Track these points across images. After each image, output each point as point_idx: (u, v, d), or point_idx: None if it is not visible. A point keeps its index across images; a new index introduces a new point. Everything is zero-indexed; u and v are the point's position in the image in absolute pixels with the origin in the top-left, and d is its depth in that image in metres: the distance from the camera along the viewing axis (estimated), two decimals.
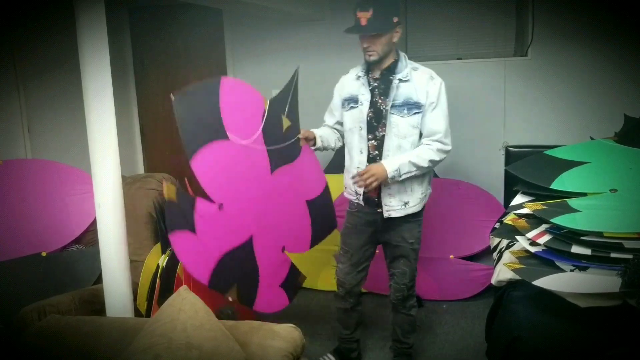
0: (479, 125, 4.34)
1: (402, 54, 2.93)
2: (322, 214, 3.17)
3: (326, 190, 3.19)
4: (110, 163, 2.57)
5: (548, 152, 3.24)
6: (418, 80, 2.87)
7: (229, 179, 2.70)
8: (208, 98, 2.62)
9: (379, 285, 3.87)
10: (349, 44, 4.45)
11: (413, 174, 2.84)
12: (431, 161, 2.84)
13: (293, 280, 3.16)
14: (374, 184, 2.80)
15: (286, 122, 2.91)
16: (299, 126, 3.04)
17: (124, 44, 5.32)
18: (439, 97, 2.86)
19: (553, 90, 4.27)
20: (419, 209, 2.99)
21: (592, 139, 3.47)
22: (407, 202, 2.92)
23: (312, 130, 3.07)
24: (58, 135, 4.45)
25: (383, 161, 2.84)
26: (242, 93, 2.80)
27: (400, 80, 2.85)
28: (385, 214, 2.93)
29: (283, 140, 2.90)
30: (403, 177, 2.82)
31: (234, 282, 2.77)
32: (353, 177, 2.88)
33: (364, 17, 2.73)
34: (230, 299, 2.74)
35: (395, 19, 2.80)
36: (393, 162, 2.82)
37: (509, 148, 4.34)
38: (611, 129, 3.54)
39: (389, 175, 2.79)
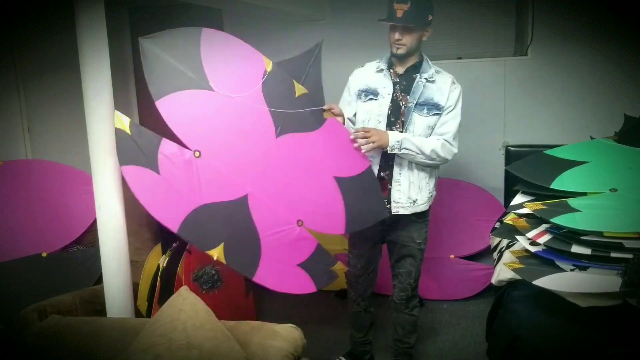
0: (479, 124, 4.34)
1: (425, 56, 2.93)
2: (364, 197, 2.85)
3: (368, 173, 2.84)
4: (110, 163, 2.57)
5: (548, 151, 3.24)
6: (442, 83, 2.88)
7: (213, 130, 2.55)
8: (185, 46, 2.50)
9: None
10: (349, 44, 4.48)
11: (413, 155, 2.79)
12: (434, 152, 2.81)
13: (320, 265, 2.83)
14: (372, 145, 2.73)
15: (300, 89, 2.71)
16: (323, 98, 2.86)
17: (124, 44, 5.31)
18: (457, 102, 2.88)
19: (553, 90, 4.28)
20: (426, 207, 2.99)
21: (592, 138, 3.47)
22: (415, 200, 2.91)
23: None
24: (58, 135, 4.45)
25: (388, 131, 2.82)
26: (233, 48, 2.64)
27: (426, 80, 2.86)
28: (394, 210, 2.90)
29: (294, 106, 2.69)
30: (402, 151, 2.77)
31: (220, 240, 2.53)
32: (356, 131, 2.77)
33: (401, 8, 2.72)
34: (215, 257, 2.51)
35: (430, 17, 2.82)
36: (398, 134, 2.80)
37: (509, 148, 4.34)
38: (611, 129, 3.54)
39: (390, 144, 2.75)
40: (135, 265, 3.03)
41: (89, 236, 3.57)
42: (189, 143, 2.50)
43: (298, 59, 2.82)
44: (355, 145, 2.76)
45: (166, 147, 2.45)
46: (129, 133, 2.39)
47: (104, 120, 2.54)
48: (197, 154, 2.50)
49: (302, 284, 2.76)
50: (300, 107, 2.69)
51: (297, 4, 4.12)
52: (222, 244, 2.54)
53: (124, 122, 2.40)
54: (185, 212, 2.47)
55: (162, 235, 3.37)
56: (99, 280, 3.19)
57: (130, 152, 2.39)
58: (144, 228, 3.58)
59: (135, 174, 2.39)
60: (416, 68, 2.89)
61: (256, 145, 2.64)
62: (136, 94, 5.45)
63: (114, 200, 2.62)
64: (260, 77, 2.63)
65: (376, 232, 3.03)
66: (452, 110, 2.87)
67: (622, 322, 2.48)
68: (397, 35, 2.79)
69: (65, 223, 3.56)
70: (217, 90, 2.53)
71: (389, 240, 3.08)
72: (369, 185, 2.84)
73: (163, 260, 3.13)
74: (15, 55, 4.14)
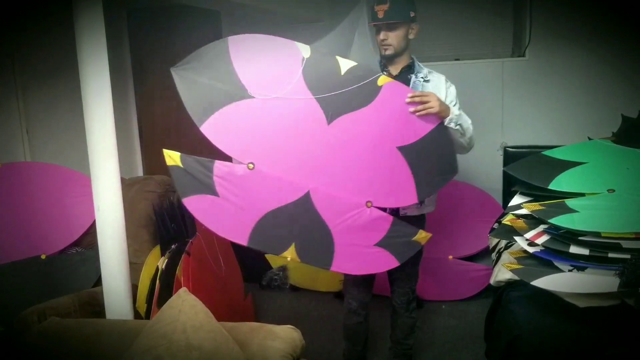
0: (477, 125, 4.30)
1: (415, 58, 2.94)
2: (432, 158, 2.65)
3: (436, 131, 2.60)
4: (109, 165, 2.57)
5: (546, 152, 3.25)
6: (437, 82, 2.89)
7: (261, 137, 2.51)
8: (215, 61, 2.50)
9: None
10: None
11: (459, 135, 2.71)
12: (471, 138, 2.77)
13: (400, 240, 2.71)
14: (431, 111, 2.55)
15: (346, 64, 2.50)
16: (377, 67, 2.69)
17: (122, 46, 5.32)
18: (456, 98, 2.88)
19: (551, 91, 4.29)
20: (432, 209, 2.97)
21: (589, 139, 3.48)
22: (423, 201, 2.88)
23: None
24: (57, 138, 4.44)
25: None
26: (263, 47, 2.51)
27: (422, 79, 2.86)
28: (402, 212, 2.85)
29: (341, 85, 2.51)
30: (456, 127, 2.65)
31: (290, 241, 2.57)
32: (411, 97, 2.55)
33: (382, 9, 2.73)
34: (288, 258, 2.58)
35: (412, 14, 2.81)
36: (455, 109, 2.72)
37: (507, 148, 4.35)
38: (608, 129, 3.55)
39: (450, 115, 2.62)
40: (134, 267, 3.03)
41: (88, 238, 3.57)
42: (240, 158, 2.51)
43: (340, 30, 2.69)
44: (411, 109, 2.56)
45: (219, 169, 2.48)
46: (182, 166, 2.44)
47: (103, 122, 2.54)
48: (250, 166, 2.50)
49: (382, 262, 2.70)
50: (348, 83, 2.51)
51: (295, 6, 4.13)
52: (293, 245, 2.57)
53: (174, 157, 2.45)
54: (250, 225, 2.52)
55: (160, 237, 3.37)
56: (98, 282, 3.18)
57: (188, 183, 2.45)
58: (143, 230, 3.59)
59: (197, 203, 2.46)
60: (410, 69, 2.89)
61: (309, 139, 2.54)
62: (135, 95, 5.47)
63: (113, 202, 2.62)
64: (299, 67, 2.50)
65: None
66: (455, 105, 2.85)
67: (620, 322, 2.48)
68: (382, 36, 2.79)
69: (64, 225, 3.56)
70: (257, 96, 2.47)
71: None
72: (437, 144, 2.63)
73: (162, 262, 3.13)
74: (14, 57, 4.13)
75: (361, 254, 2.66)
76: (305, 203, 2.56)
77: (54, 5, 4.18)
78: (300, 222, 2.58)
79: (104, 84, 2.53)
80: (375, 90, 2.52)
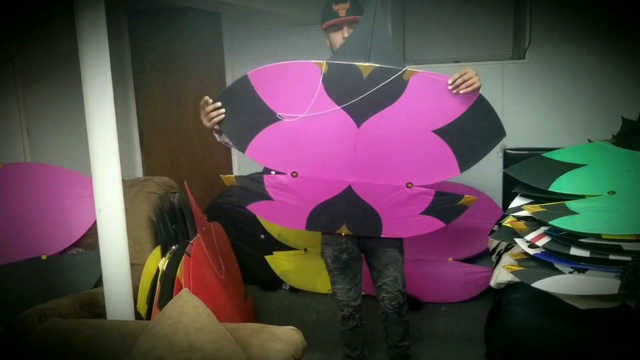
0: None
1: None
2: (473, 130, 2.59)
3: (474, 107, 2.53)
4: (111, 167, 2.57)
5: (546, 154, 3.25)
6: None
7: (298, 151, 2.68)
8: (243, 95, 2.59)
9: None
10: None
11: None
12: None
13: (444, 207, 2.79)
14: (475, 86, 2.46)
15: (367, 68, 2.48)
16: (398, 59, 2.56)
17: (122, 47, 5.33)
18: None
19: (551, 93, 4.29)
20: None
21: (590, 141, 3.49)
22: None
23: None
24: (57, 138, 4.45)
25: None
26: (281, 73, 2.56)
27: None
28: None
29: (365, 89, 2.51)
30: None
31: (341, 222, 2.89)
32: (452, 83, 2.46)
33: (343, 8, 2.74)
34: (343, 234, 2.91)
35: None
36: None
37: (507, 150, 4.35)
38: (609, 132, 3.55)
39: None
40: (135, 268, 3.02)
41: (88, 239, 3.56)
42: (284, 170, 2.76)
43: (355, 36, 2.60)
44: (454, 90, 2.49)
45: (269, 181, 2.80)
46: (238, 185, 2.84)
47: (104, 123, 2.54)
48: (294, 174, 2.76)
49: (429, 225, 2.87)
50: (372, 85, 2.51)
51: (295, 8, 4.13)
52: (344, 225, 2.89)
53: (230, 179, 2.82)
54: (305, 216, 2.88)
55: (161, 238, 3.37)
56: (99, 283, 3.19)
57: (247, 195, 2.85)
58: (144, 231, 3.58)
59: (258, 207, 2.89)
60: None
61: (342, 144, 2.65)
62: (135, 97, 5.47)
63: (114, 203, 2.62)
64: (318, 83, 2.54)
65: (355, 242, 2.96)
66: None
67: (620, 324, 2.48)
68: (345, 33, 2.76)
69: (64, 226, 3.56)
70: (285, 118, 2.59)
71: (368, 249, 3.00)
72: (478, 116, 2.56)
73: (162, 263, 3.13)
74: (14, 57, 4.14)
75: (407, 222, 2.86)
76: (348, 194, 2.77)
77: (54, 6, 4.18)
78: (347, 208, 2.83)
79: (105, 85, 2.53)
80: (402, 84, 2.51)
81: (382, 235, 2.89)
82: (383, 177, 2.73)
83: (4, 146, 4.07)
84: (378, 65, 2.48)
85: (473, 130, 2.59)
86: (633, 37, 4.02)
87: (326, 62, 2.50)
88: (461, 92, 2.45)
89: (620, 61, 4.08)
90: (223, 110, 2.59)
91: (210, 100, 2.60)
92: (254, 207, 2.89)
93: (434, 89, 2.53)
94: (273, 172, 2.84)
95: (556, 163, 3.14)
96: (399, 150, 2.66)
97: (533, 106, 4.33)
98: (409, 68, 2.48)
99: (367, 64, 2.48)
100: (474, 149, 2.66)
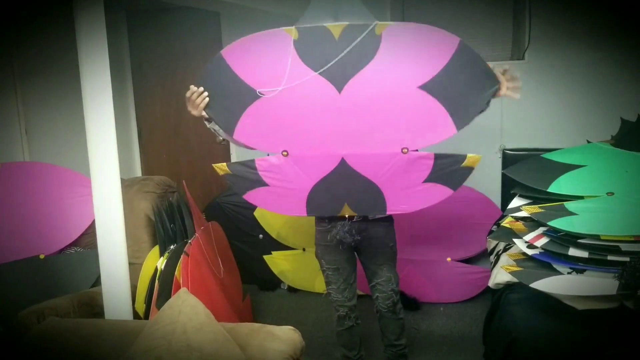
0: (476, 128, 4.33)
1: None
2: (461, 84, 2.48)
3: (456, 57, 2.44)
4: (109, 166, 2.57)
5: (545, 155, 3.26)
6: None
7: (283, 128, 2.62)
8: (221, 78, 2.57)
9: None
10: None
11: None
12: None
13: (448, 170, 2.63)
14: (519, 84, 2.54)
15: (338, 28, 2.41)
16: (369, 15, 2.48)
17: (121, 47, 5.32)
18: None
19: (550, 94, 4.29)
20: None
21: (588, 142, 3.49)
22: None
23: None
24: (56, 138, 4.44)
25: None
26: (254, 45, 2.52)
27: None
28: (370, 217, 2.86)
29: (339, 50, 2.43)
30: None
31: (342, 201, 2.73)
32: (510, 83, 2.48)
33: None
34: (347, 215, 2.78)
35: None
36: None
37: (506, 151, 4.36)
38: (608, 133, 3.56)
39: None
40: (133, 267, 3.02)
41: (87, 238, 3.56)
42: (274, 149, 2.67)
43: (317, 1, 2.55)
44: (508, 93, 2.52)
45: (260, 164, 2.69)
46: (232, 172, 2.72)
47: (103, 123, 2.55)
48: (284, 153, 2.65)
49: (436, 194, 2.68)
50: (345, 46, 2.43)
51: (294, 7, 4.12)
52: (346, 204, 2.73)
53: (223, 167, 2.71)
54: (303, 200, 2.74)
55: (160, 238, 3.37)
56: (97, 282, 3.18)
57: (242, 184, 2.74)
58: (142, 230, 3.58)
59: (255, 196, 2.76)
60: None
61: (326, 113, 2.56)
62: (134, 97, 5.47)
63: (113, 202, 2.62)
64: (292, 50, 2.48)
65: (348, 243, 2.91)
66: None
67: (618, 325, 2.49)
68: None
69: (62, 225, 3.55)
70: (265, 93, 2.53)
71: (361, 250, 2.98)
72: (463, 67, 2.47)
73: (161, 263, 3.13)
74: (13, 57, 4.13)
75: (411, 193, 2.69)
76: (343, 168, 2.64)
77: (54, 6, 4.18)
78: (345, 184, 2.69)
79: (104, 84, 2.54)
80: (375, 40, 2.43)
81: (388, 212, 2.74)
82: (375, 145, 2.59)
83: (2, 145, 4.07)
84: (348, 23, 2.41)
85: (462, 82, 2.47)
86: (632, 38, 4.02)
87: (295, 28, 2.45)
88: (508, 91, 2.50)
89: (619, 62, 4.08)
90: (206, 93, 2.57)
91: (195, 88, 2.58)
92: (250, 196, 2.77)
93: (409, 40, 2.45)
94: (267, 155, 2.76)
95: (555, 164, 3.14)
96: (386, 113, 2.54)
97: (532, 107, 4.33)
98: (379, 22, 2.41)
99: (336, 23, 2.43)
100: (467, 103, 2.52)
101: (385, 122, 2.56)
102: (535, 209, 2.83)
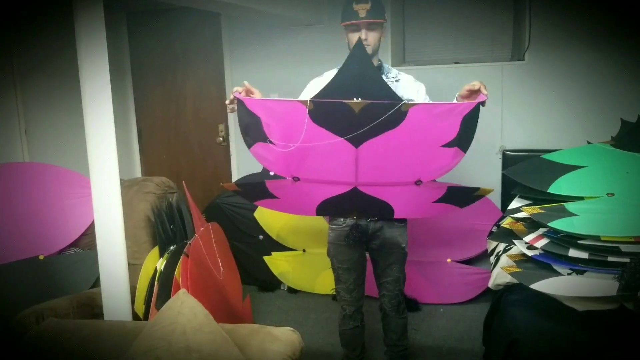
0: (476, 128, 4.35)
1: (383, 60, 2.95)
2: (468, 129, 2.54)
3: (468, 119, 2.48)
4: (109, 167, 2.57)
5: (545, 156, 3.25)
6: (406, 82, 2.90)
7: (298, 163, 2.66)
8: (245, 111, 2.59)
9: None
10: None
11: None
12: None
13: (458, 196, 2.76)
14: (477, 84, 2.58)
15: (358, 105, 2.37)
16: (393, 94, 2.47)
17: (121, 47, 5.32)
18: (425, 96, 2.89)
19: (550, 94, 4.28)
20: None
21: (589, 143, 3.48)
22: None
23: None
24: (55, 138, 4.44)
25: None
26: (267, 107, 2.56)
27: (394, 79, 2.88)
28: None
29: (357, 120, 2.41)
30: None
31: (351, 210, 2.86)
32: (471, 89, 2.56)
33: (364, 8, 2.73)
34: (354, 217, 2.88)
35: (386, 16, 2.84)
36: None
37: (506, 152, 4.35)
38: (608, 133, 3.55)
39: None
40: (133, 268, 3.02)
41: (86, 239, 3.56)
42: (285, 174, 2.75)
43: (342, 73, 2.50)
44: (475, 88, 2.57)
45: (272, 186, 2.80)
46: (242, 190, 2.93)
47: (102, 123, 2.54)
48: (295, 179, 2.73)
49: (443, 209, 2.84)
50: (366, 116, 2.42)
51: (295, 8, 4.12)
52: (355, 211, 2.86)
53: (233, 187, 2.88)
54: (314, 205, 2.85)
55: (159, 238, 3.37)
56: (96, 283, 3.18)
57: (252, 195, 2.98)
58: (142, 231, 3.58)
59: (265, 203, 2.95)
60: (380, 70, 2.89)
61: (340, 160, 2.59)
62: (134, 97, 5.47)
63: (113, 203, 2.62)
64: (308, 120, 2.47)
65: (361, 242, 2.95)
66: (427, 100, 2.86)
67: (619, 326, 2.48)
68: (363, 35, 2.75)
69: (62, 226, 3.55)
70: (277, 145, 2.57)
71: (373, 249, 2.99)
72: (472, 118, 2.52)
73: (160, 264, 3.13)
74: (13, 57, 4.13)
75: (420, 208, 2.87)
76: (355, 192, 2.74)
77: (54, 6, 4.18)
78: (356, 201, 2.80)
79: (103, 85, 2.53)
80: (401, 115, 2.42)
81: (395, 217, 2.85)
82: (389, 180, 2.69)
83: (2, 146, 4.07)
84: (370, 101, 2.38)
85: (470, 127, 2.55)
86: (633, 39, 4.01)
87: (310, 101, 2.41)
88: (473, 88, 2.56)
89: (620, 63, 4.08)
90: (233, 106, 2.63)
91: (231, 97, 2.63)
92: (261, 203, 2.98)
93: (434, 115, 2.48)
94: (272, 173, 2.82)
95: (555, 165, 3.13)
96: (404, 161, 2.61)
97: (532, 107, 4.33)
98: (406, 102, 2.40)
99: (357, 100, 2.38)
100: (470, 135, 2.58)
101: (401, 167, 2.64)
102: (535, 209, 2.82)
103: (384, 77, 2.82)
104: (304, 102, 2.42)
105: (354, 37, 2.75)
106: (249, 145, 2.66)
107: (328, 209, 2.90)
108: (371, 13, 2.75)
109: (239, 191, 2.89)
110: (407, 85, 2.89)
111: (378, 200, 2.74)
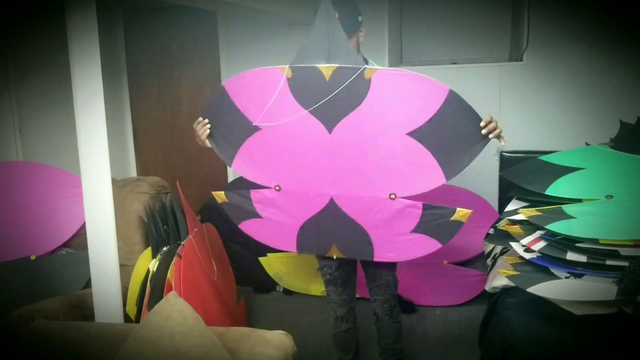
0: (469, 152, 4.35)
1: (366, 57, 2.86)
2: (451, 133, 2.44)
3: (446, 106, 2.38)
4: (100, 166, 2.54)
5: (543, 157, 3.23)
6: None
7: (277, 162, 2.68)
8: (223, 110, 2.64)
9: None
10: None
11: None
12: None
13: (437, 222, 2.60)
14: (498, 131, 2.43)
15: (328, 69, 2.41)
16: (357, 58, 2.49)
17: (117, 46, 5.29)
18: None
19: (548, 95, 4.27)
20: None
21: (587, 144, 3.46)
22: None
23: None
24: (49, 137, 4.42)
25: None
26: (253, 79, 2.57)
27: None
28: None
29: (329, 91, 2.43)
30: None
31: (331, 241, 2.78)
32: (485, 126, 2.39)
33: None
34: (334, 257, 2.81)
35: (360, 18, 2.77)
36: None
37: (504, 153, 4.33)
38: (606, 135, 3.54)
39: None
40: (125, 269, 3.00)
41: (78, 239, 3.52)
42: (267, 183, 2.75)
43: (313, 37, 2.51)
44: (491, 135, 2.42)
45: (255, 196, 2.79)
46: (229, 202, 2.86)
47: (93, 123, 2.52)
48: (277, 188, 2.73)
49: (424, 246, 2.66)
50: (336, 87, 2.43)
51: (291, 7, 4.10)
52: (334, 244, 2.78)
53: (221, 196, 2.86)
54: (294, 235, 2.81)
55: (152, 239, 3.33)
56: (88, 284, 3.14)
57: (238, 213, 2.87)
58: (134, 232, 3.55)
59: (249, 226, 2.89)
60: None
61: (316, 152, 2.59)
62: (129, 96, 5.44)
63: (104, 203, 2.59)
64: (286, 89, 2.51)
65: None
66: None
67: (617, 330, 2.45)
68: None
69: (54, 226, 3.53)
70: (261, 126, 2.60)
71: None
72: (454, 116, 2.41)
73: (153, 265, 3.10)
74: (7, 56, 4.11)
75: (399, 242, 2.68)
76: (332, 208, 2.68)
77: (47, 5, 4.16)
78: (334, 224, 2.72)
79: (95, 85, 2.51)
80: (365, 85, 2.41)
81: (375, 259, 2.73)
82: (363, 187, 2.60)
83: None
84: (338, 65, 2.40)
85: (452, 132, 2.44)
86: (631, 40, 4.00)
87: (289, 67, 2.46)
88: (490, 136, 2.41)
89: (618, 64, 4.07)
90: (207, 123, 2.69)
91: (200, 119, 2.70)
92: (245, 226, 2.89)
93: (398, 86, 2.43)
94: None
95: (553, 166, 3.11)
96: (375, 157, 2.54)
97: (530, 109, 4.31)
98: (368, 67, 2.40)
99: (327, 65, 2.42)
100: (457, 153, 2.49)
101: (373, 166, 2.57)
102: (533, 212, 2.80)
103: None
104: (282, 69, 2.47)
105: None
106: (230, 159, 2.73)
107: (309, 236, 2.78)
108: (341, 22, 2.62)
109: (226, 203, 2.86)
110: None
111: (355, 223, 2.66)
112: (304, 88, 2.48)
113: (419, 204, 2.57)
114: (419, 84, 2.42)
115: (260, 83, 2.55)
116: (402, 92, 2.43)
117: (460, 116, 2.40)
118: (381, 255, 2.72)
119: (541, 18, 4.19)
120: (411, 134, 2.45)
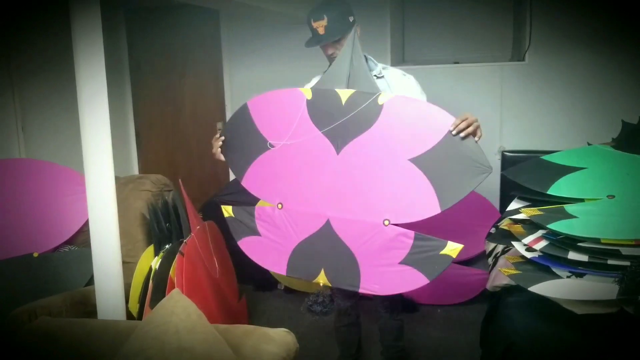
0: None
1: (368, 55, 2.90)
2: (451, 163, 2.47)
3: (449, 137, 2.43)
4: (103, 164, 2.55)
5: (545, 157, 3.22)
6: (391, 77, 2.87)
7: (284, 179, 2.74)
8: (243, 125, 2.77)
9: None
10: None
11: None
12: None
13: (426, 254, 2.58)
14: (476, 124, 2.42)
15: (346, 93, 2.56)
16: (374, 85, 2.60)
17: (120, 45, 5.30)
18: (414, 86, 2.86)
19: (550, 95, 4.27)
20: None
21: (589, 144, 3.46)
22: None
23: None
24: (52, 135, 4.43)
25: None
26: (274, 99, 2.73)
27: (376, 76, 2.81)
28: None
29: (344, 114, 2.56)
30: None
31: (320, 266, 2.74)
32: (455, 128, 2.39)
33: (321, 25, 2.74)
34: (321, 283, 2.77)
35: (351, 18, 2.79)
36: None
37: (505, 153, 4.33)
38: (608, 135, 3.53)
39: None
40: (128, 266, 3.00)
41: (82, 236, 3.54)
42: (271, 200, 2.80)
43: (336, 64, 2.68)
44: (461, 135, 2.40)
45: (259, 213, 2.82)
46: (234, 216, 2.89)
47: (97, 120, 2.52)
48: (279, 205, 2.77)
49: (410, 280, 2.60)
50: (350, 110, 2.57)
51: (293, 6, 4.10)
52: (323, 270, 2.75)
53: (228, 210, 2.90)
54: (286, 256, 2.80)
55: (155, 237, 3.34)
56: (91, 281, 3.15)
57: (240, 229, 2.88)
58: (137, 229, 3.56)
59: (248, 243, 2.88)
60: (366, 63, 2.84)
61: (322, 172, 2.67)
62: (132, 95, 5.45)
63: (107, 201, 2.60)
64: (304, 109, 2.65)
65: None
66: (422, 93, 2.85)
67: (618, 330, 2.46)
68: (330, 51, 2.78)
69: (57, 223, 3.53)
70: (276, 145, 2.70)
71: None
72: (455, 147, 2.44)
73: (155, 262, 3.11)
74: (10, 54, 4.12)
75: (386, 273, 2.63)
76: (327, 231, 2.69)
77: (51, 3, 4.16)
78: (326, 248, 2.71)
79: (99, 83, 2.52)
80: (377, 109, 2.52)
81: (360, 290, 2.68)
82: (359, 211, 2.61)
83: None
84: (355, 90, 2.55)
85: (452, 162, 2.47)
86: (634, 40, 4.00)
87: (311, 89, 2.62)
88: (462, 135, 2.39)
89: (620, 63, 4.07)
90: (222, 138, 2.80)
91: (218, 135, 2.83)
92: (244, 243, 2.89)
93: (408, 112, 2.52)
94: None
95: (555, 166, 3.11)
96: (375, 180, 2.58)
97: (532, 108, 4.31)
98: (383, 92, 2.52)
99: (345, 89, 2.58)
100: (454, 184, 2.50)
101: (372, 189, 2.61)
102: (535, 211, 2.80)
103: None
104: (305, 90, 2.65)
105: (325, 52, 2.85)
106: (241, 173, 2.83)
107: (300, 259, 2.76)
108: (329, 29, 2.73)
109: (232, 217, 2.91)
110: (392, 81, 2.85)
111: (346, 249, 2.65)
112: (321, 110, 2.61)
113: (411, 233, 2.57)
114: (428, 111, 2.52)
115: (280, 102, 2.70)
116: (411, 118, 2.52)
117: (462, 146, 2.44)
118: (366, 286, 2.66)
119: (543, 18, 4.19)
120: (413, 160, 2.50)
